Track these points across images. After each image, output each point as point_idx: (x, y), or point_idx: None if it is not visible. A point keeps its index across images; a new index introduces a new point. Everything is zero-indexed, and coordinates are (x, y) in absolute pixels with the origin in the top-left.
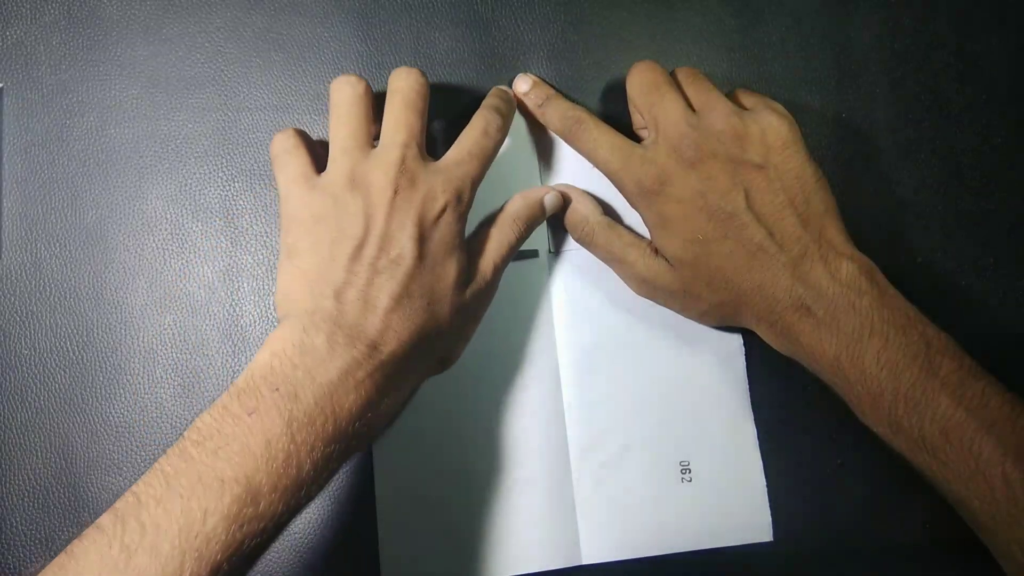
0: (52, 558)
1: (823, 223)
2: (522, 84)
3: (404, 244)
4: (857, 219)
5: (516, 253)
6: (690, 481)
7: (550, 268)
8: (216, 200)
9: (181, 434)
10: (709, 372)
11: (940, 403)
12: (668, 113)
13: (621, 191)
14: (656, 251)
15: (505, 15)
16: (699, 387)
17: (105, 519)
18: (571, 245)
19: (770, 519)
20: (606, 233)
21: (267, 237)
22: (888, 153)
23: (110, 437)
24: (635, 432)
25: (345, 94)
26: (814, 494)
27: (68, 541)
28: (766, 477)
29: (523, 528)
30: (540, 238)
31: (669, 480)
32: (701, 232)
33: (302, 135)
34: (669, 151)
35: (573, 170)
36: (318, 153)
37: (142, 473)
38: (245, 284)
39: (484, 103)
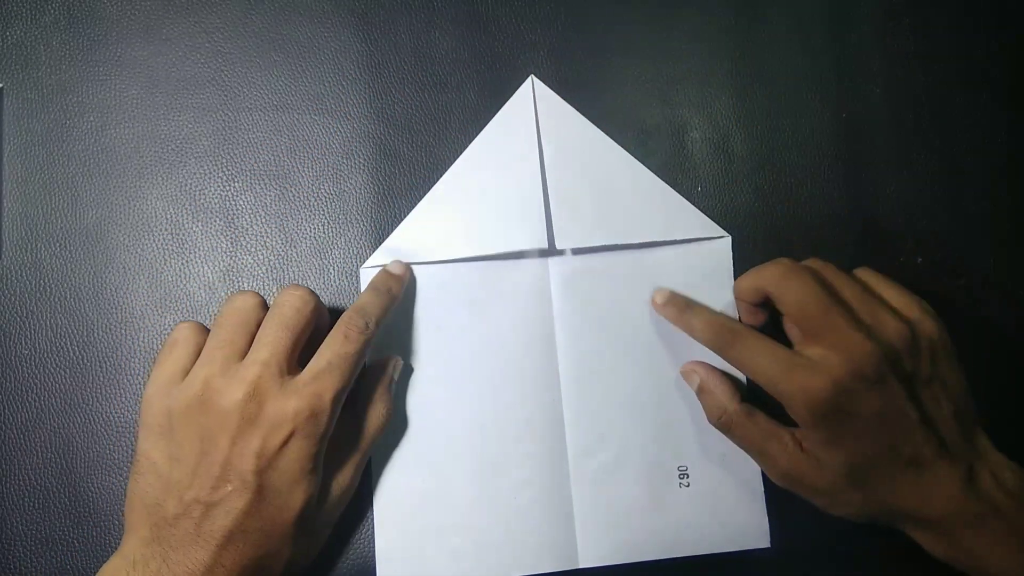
0: (52, 558)
1: (975, 431)
2: (659, 297)
3: (243, 477)
4: (857, 219)
5: (516, 254)
6: (688, 486)
7: (550, 270)
8: (216, 200)
9: None
10: None
11: None
12: (845, 334)
13: (782, 399)
14: (801, 445)
15: (506, 14)
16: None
17: None
18: (570, 245)
19: (768, 525)
20: (745, 422)
21: (267, 237)
22: (888, 153)
23: (110, 437)
24: (633, 436)
25: (235, 303)
26: None
27: (68, 541)
28: (764, 483)
29: (520, 531)
30: (540, 240)
31: (667, 485)
32: (871, 448)
33: (198, 327)
34: (850, 370)
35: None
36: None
37: None
38: (245, 284)
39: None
